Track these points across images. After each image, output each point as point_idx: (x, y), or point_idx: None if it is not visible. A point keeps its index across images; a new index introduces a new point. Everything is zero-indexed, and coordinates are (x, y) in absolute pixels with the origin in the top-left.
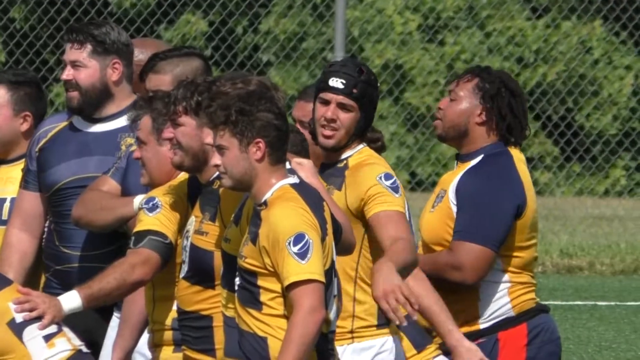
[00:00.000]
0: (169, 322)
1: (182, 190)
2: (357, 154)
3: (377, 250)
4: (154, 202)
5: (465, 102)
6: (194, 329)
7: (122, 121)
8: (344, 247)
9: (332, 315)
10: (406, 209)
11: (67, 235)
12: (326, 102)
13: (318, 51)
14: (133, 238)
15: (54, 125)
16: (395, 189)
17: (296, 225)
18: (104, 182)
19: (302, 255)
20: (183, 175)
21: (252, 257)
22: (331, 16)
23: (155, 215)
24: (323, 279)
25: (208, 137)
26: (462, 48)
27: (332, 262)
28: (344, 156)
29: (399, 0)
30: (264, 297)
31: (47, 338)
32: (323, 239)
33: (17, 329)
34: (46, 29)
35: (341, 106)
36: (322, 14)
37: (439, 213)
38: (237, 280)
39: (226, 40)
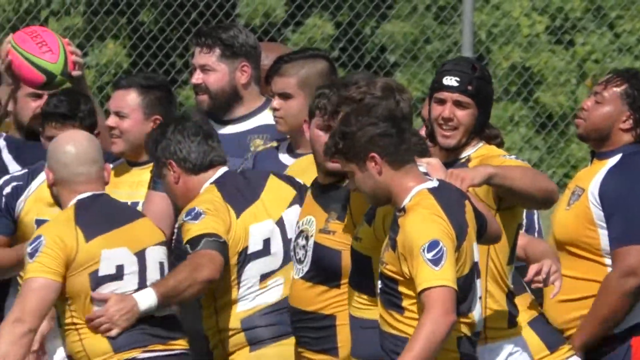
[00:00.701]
0: (237, 324)
1: (216, 195)
2: (479, 150)
3: (507, 241)
4: (195, 211)
5: (610, 105)
6: (314, 330)
7: (251, 123)
8: (491, 238)
9: (476, 316)
10: None
11: None
12: (442, 102)
13: (444, 53)
14: (188, 246)
15: None
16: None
17: (431, 232)
18: None
19: (436, 262)
20: (206, 191)
21: (392, 264)
22: (458, 17)
23: (202, 221)
24: (455, 286)
25: None
26: (592, 48)
27: (472, 265)
28: (464, 154)
29: (525, 2)
30: (405, 302)
31: None
32: (459, 246)
33: (96, 283)
34: (175, 31)
35: (457, 104)
36: (447, 15)
37: (576, 211)
38: (379, 284)
39: (353, 41)
